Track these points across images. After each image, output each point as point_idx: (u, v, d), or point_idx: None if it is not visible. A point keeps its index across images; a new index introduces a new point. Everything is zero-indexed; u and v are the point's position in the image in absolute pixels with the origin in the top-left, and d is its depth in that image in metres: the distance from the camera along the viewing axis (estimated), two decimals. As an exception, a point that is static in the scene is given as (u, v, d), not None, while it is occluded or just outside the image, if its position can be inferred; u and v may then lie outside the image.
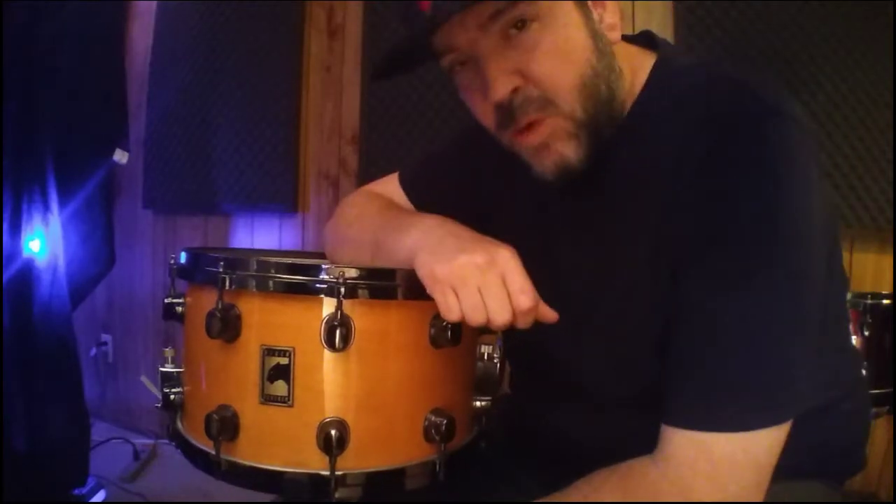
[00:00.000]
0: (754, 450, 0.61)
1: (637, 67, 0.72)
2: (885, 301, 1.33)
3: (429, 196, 0.91)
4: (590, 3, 0.68)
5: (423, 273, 0.65)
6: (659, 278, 0.67)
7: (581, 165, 0.68)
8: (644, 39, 0.76)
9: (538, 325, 0.81)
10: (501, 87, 0.65)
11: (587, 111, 0.67)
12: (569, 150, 0.67)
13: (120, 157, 2.33)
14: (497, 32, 0.64)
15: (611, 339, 0.73)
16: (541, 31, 0.64)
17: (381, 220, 0.81)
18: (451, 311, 0.63)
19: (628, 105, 0.72)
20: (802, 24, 1.54)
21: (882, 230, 1.50)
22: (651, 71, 0.72)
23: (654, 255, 0.68)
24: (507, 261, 0.64)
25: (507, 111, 0.67)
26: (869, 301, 1.31)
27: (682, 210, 0.65)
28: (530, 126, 0.67)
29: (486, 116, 0.70)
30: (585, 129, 0.67)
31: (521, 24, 0.64)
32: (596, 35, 0.67)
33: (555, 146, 0.68)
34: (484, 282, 0.63)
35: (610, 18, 0.69)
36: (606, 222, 0.74)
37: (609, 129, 0.69)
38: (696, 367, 0.63)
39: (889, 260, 1.51)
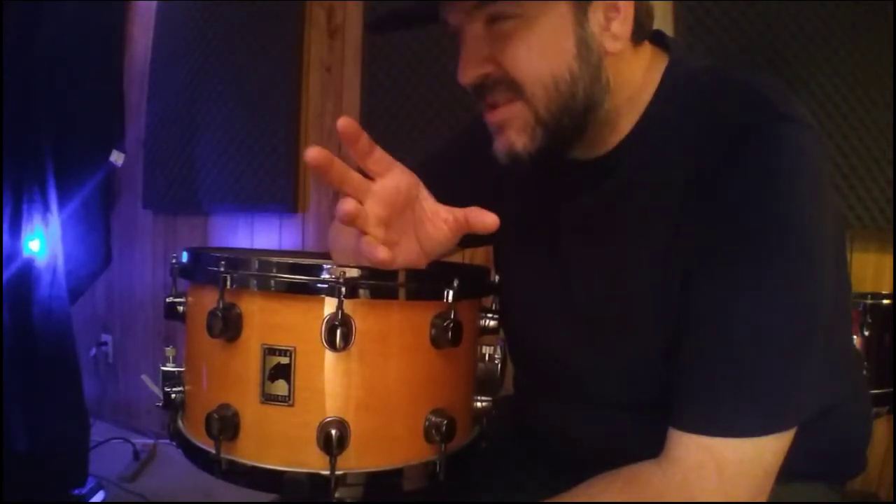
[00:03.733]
0: (761, 455, 0.61)
1: (649, 68, 0.72)
2: (885, 301, 1.33)
3: None
4: (602, 8, 0.67)
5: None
6: (669, 282, 0.67)
7: (529, 159, 0.70)
8: (655, 39, 0.75)
9: (543, 327, 0.81)
10: (469, 73, 0.69)
11: (550, 111, 0.67)
12: (518, 141, 0.69)
13: (116, 158, 2.34)
14: (480, 19, 0.67)
15: (618, 342, 0.73)
16: (521, 26, 0.66)
17: None
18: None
19: (641, 108, 0.71)
20: (802, 24, 1.54)
21: (882, 230, 1.50)
22: (663, 73, 0.72)
23: (664, 259, 0.67)
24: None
25: (475, 91, 0.70)
26: (869, 301, 1.32)
27: (693, 215, 0.65)
28: (495, 105, 0.70)
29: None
30: (543, 128, 0.68)
31: (503, 17, 0.66)
32: (583, 42, 0.67)
33: (507, 132, 0.70)
34: None
35: (618, 27, 0.68)
36: (617, 225, 0.73)
37: (576, 134, 0.70)
38: (706, 372, 0.63)
39: (889, 260, 1.52)
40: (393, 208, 0.64)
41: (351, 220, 0.60)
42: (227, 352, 0.69)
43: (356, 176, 0.63)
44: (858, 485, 1.43)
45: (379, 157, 0.64)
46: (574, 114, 0.68)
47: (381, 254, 0.60)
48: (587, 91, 0.68)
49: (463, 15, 0.68)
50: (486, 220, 0.66)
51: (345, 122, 0.59)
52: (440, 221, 0.67)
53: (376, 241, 0.62)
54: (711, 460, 0.60)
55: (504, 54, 0.67)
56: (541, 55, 0.66)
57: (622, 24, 0.68)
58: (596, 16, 0.67)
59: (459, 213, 0.67)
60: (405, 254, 0.67)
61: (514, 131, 0.69)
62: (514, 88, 0.67)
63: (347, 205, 0.59)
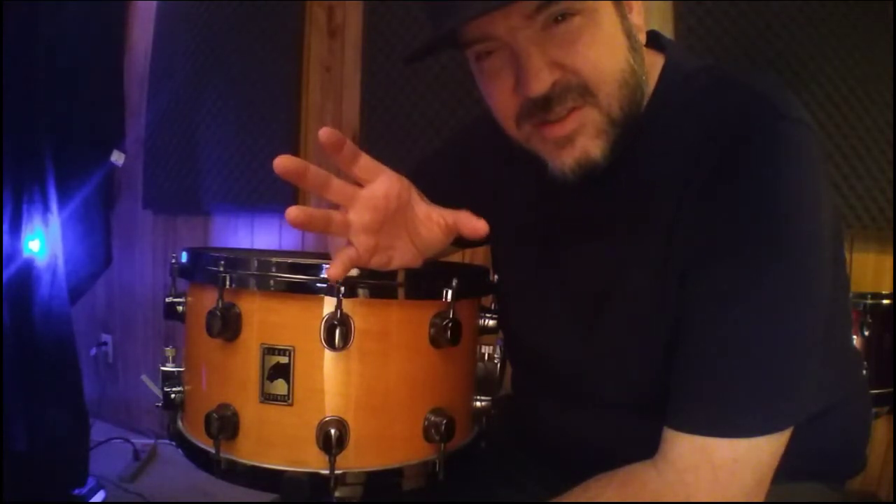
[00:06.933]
0: (757, 455, 0.61)
1: (647, 69, 0.71)
2: (885, 301, 1.33)
3: (427, 198, 0.91)
4: (624, 2, 0.67)
5: None
6: (667, 282, 0.67)
7: (604, 164, 0.67)
8: (651, 40, 0.75)
9: (540, 327, 0.81)
10: (544, 79, 0.63)
11: (622, 108, 0.66)
12: (594, 147, 0.66)
13: (116, 158, 2.34)
14: (539, 23, 0.63)
15: (617, 342, 0.73)
16: (583, 24, 0.63)
17: None
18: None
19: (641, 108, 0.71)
20: (802, 24, 1.54)
21: (882, 230, 1.50)
22: (661, 73, 0.72)
23: (662, 259, 0.67)
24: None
25: (541, 102, 0.64)
26: (869, 301, 1.32)
27: (692, 214, 0.65)
28: (563, 116, 0.65)
29: (508, 107, 0.68)
30: (615, 127, 0.66)
31: (563, 17, 0.63)
32: (629, 34, 0.67)
33: (580, 141, 0.66)
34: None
35: (637, 19, 0.69)
36: (615, 225, 0.73)
37: (632, 130, 0.68)
38: (702, 372, 0.63)
39: (889, 260, 1.51)
40: (383, 214, 0.64)
41: (302, 227, 0.60)
42: (226, 351, 0.69)
43: (338, 182, 0.62)
44: (858, 485, 1.43)
45: (365, 164, 0.63)
46: (636, 108, 0.68)
47: (331, 271, 0.61)
48: (640, 84, 0.68)
49: (519, 20, 0.62)
50: (474, 225, 0.66)
51: (326, 133, 0.59)
52: (432, 224, 0.68)
53: (345, 255, 0.62)
54: (707, 460, 0.60)
55: (573, 54, 0.63)
56: (608, 51, 0.65)
57: (638, 16, 0.69)
58: (629, 7, 0.68)
59: (450, 216, 0.67)
60: (400, 255, 0.68)
61: (586, 138, 0.66)
62: (585, 91, 0.64)
63: (292, 211, 0.60)
